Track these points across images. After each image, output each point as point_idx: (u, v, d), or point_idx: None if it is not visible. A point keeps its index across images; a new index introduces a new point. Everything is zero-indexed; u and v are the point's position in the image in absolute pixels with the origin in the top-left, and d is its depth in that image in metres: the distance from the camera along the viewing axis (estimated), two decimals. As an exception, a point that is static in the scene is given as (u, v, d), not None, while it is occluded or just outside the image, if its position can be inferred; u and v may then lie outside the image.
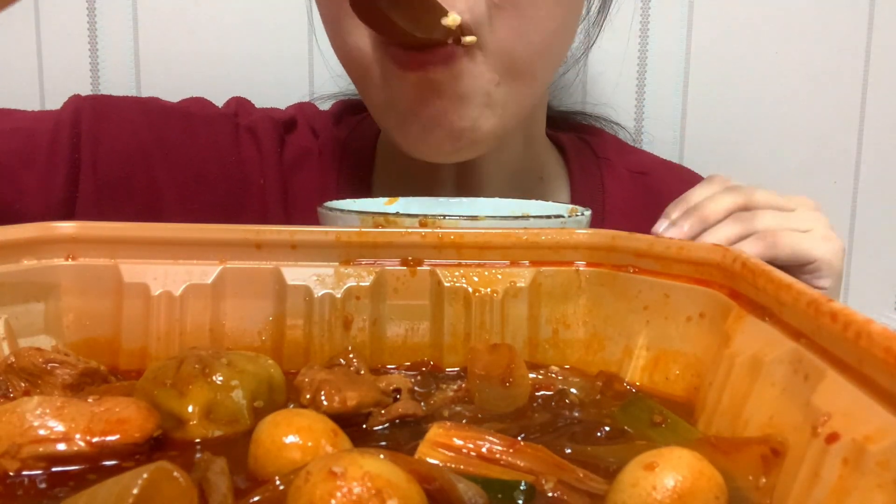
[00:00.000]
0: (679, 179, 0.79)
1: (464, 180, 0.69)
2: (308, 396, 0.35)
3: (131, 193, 0.66)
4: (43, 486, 0.30)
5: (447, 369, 0.43)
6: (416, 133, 0.58)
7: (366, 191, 0.72)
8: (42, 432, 0.31)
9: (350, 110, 0.77)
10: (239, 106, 0.74)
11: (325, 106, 0.80)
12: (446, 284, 0.43)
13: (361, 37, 0.57)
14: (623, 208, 0.73)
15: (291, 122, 0.75)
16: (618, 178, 0.75)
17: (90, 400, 0.33)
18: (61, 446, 0.31)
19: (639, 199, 0.75)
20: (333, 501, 0.24)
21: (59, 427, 0.31)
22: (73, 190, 0.65)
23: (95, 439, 0.31)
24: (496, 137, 0.60)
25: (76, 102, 0.68)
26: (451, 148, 0.58)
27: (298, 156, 0.72)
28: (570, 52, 0.78)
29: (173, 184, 0.68)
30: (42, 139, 0.65)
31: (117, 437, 0.31)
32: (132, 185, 0.66)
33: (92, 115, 0.67)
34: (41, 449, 0.31)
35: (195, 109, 0.72)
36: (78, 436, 0.31)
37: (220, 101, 0.75)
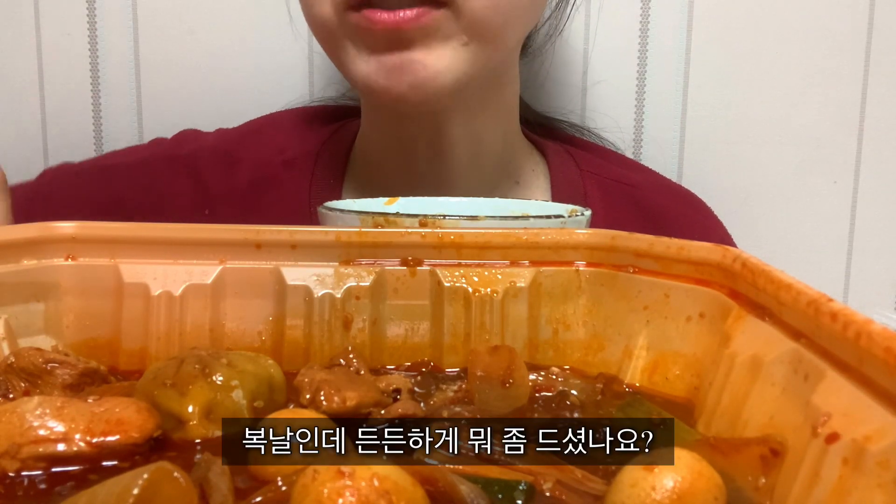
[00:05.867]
0: (672, 197, 0.79)
1: (439, 184, 0.69)
2: (308, 396, 0.35)
3: None
4: (43, 486, 0.30)
5: (447, 370, 0.43)
6: (383, 82, 0.60)
7: (336, 199, 0.72)
8: (42, 432, 0.31)
9: (323, 118, 0.78)
10: (182, 140, 0.77)
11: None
12: (446, 284, 0.43)
13: (323, 4, 0.60)
14: (605, 220, 0.72)
15: (254, 137, 0.76)
16: (603, 189, 0.75)
17: (90, 400, 0.32)
18: (61, 446, 0.31)
19: (623, 212, 0.74)
20: (341, 500, 0.24)
21: (59, 427, 0.31)
22: None
23: (95, 439, 0.31)
24: (458, 90, 0.62)
25: (47, 174, 0.76)
26: (415, 97, 0.60)
27: (264, 174, 0.74)
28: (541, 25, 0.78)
29: None
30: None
31: (117, 437, 0.31)
32: None
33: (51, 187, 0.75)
34: (41, 449, 0.30)
35: (147, 155, 0.77)
36: (78, 436, 0.31)
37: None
